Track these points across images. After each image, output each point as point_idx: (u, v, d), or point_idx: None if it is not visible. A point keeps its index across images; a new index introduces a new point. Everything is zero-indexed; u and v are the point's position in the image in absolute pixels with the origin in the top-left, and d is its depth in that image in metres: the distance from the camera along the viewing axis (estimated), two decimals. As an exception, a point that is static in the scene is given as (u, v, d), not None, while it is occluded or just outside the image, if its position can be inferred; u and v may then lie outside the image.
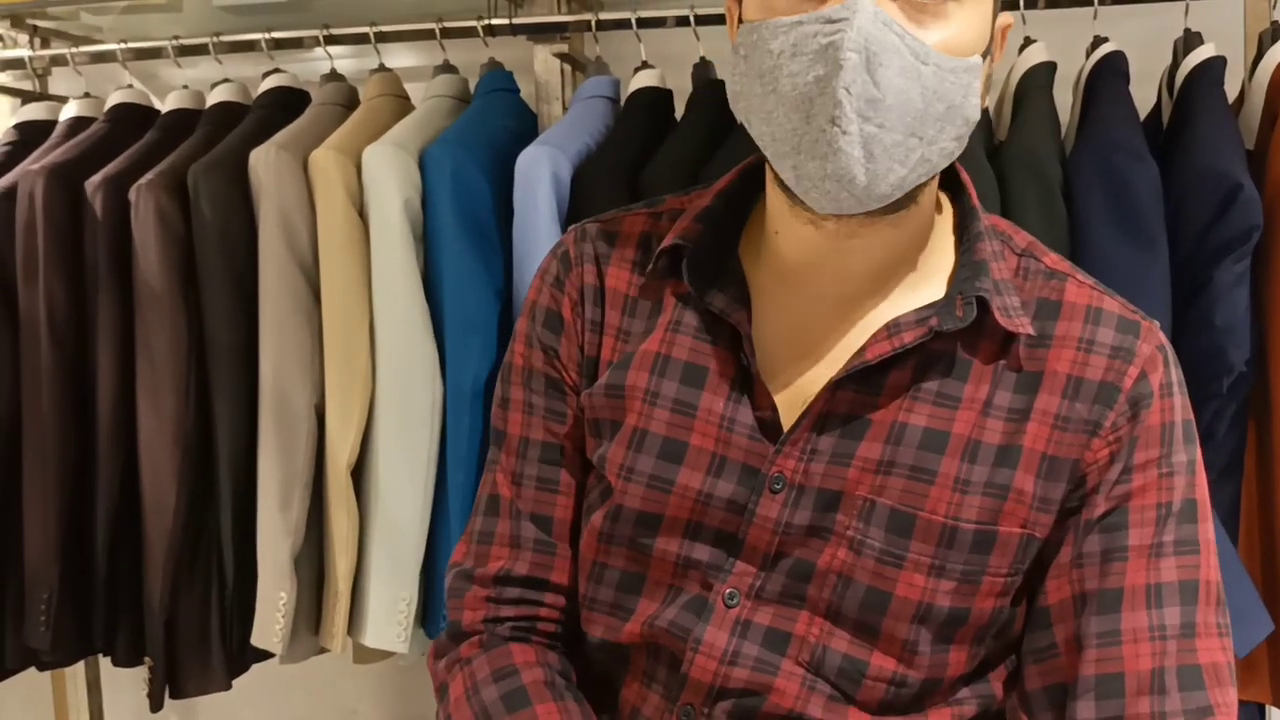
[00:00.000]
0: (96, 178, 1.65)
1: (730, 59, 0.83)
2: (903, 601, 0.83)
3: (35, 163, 1.69)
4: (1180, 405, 0.87)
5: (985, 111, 1.56)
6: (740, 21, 0.83)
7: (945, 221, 0.91)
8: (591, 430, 0.93)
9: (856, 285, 0.87)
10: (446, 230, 1.57)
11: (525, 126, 1.77)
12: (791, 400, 0.87)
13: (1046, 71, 1.55)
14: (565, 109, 1.79)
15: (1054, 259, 0.91)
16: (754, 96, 0.80)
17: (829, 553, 0.84)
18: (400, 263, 1.57)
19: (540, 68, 1.81)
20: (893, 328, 0.84)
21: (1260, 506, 1.44)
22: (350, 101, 1.79)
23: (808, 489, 0.85)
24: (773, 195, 0.88)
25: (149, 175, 1.62)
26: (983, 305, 0.84)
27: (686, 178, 1.48)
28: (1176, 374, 0.88)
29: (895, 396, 0.85)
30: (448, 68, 1.80)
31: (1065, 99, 1.62)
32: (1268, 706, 1.51)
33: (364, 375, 1.58)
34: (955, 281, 0.87)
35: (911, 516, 0.83)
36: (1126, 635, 0.81)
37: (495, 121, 1.69)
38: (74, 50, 1.89)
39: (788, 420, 0.86)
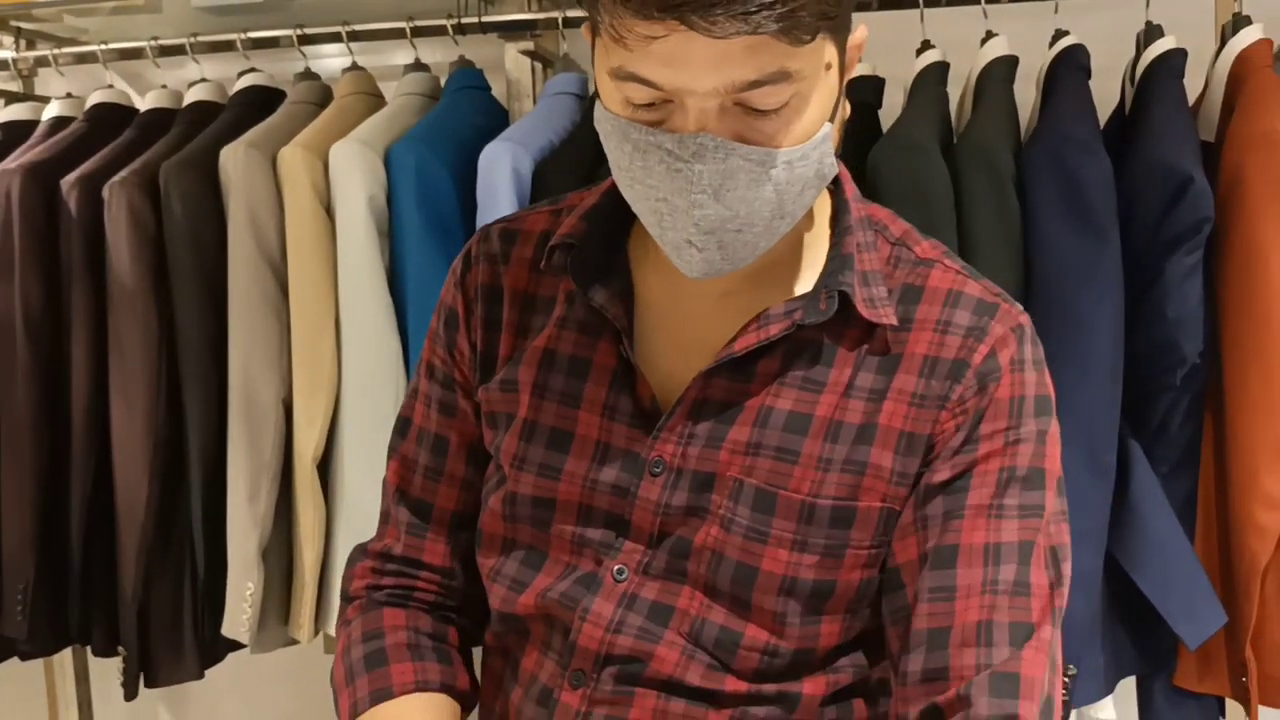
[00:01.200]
0: (71, 176, 1.69)
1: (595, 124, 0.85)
2: (769, 575, 0.86)
3: (13, 161, 1.73)
4: (1034, 381, 0.88)
5: (945, 105, 1.59)
6: (597, 91, 0.84)
7: (823, 214, 0.93)
8: (489, 422, 0.97)
9: (733, 282, 0.89)
10: (411, 226, 1.59)
11: (494, 123, 1.78)
12: (670, 389, 0.90)
13: (1006, 65, 1.56)
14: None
15: (925, 246, 0.93)
16: (620, 180, 0.83)
17: (704, 531, 0.87)
18: (365, 259, 1.59)
19: (511, 65, 1.82)
20: (761, 320, 0.87)
21: (1216, 499, 1.44)
22: (323, 100, 1.81)
23: (685, 471, 0.88)
24: None
25: (122, 174, 1.65)
26: (845, 298, 0.87)
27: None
28: (1032, 351, 0.89)
29: (764, 383, 0.88)
30: (419, 66, 1.82)
31: (1031, 94, 1.63)
32: (1226, 700, 1.52)
33: (330, 370, 1.60)
34: (823, 275, 0.89)
35: (774, 495, 0.86)
36: (960, 590, 0.83)
37: (463, 118, 1.71)
38: (57, 51, 1.92)
39: (666, 408, 0.89)
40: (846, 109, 0.87)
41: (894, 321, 0.88)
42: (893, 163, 1.42)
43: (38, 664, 2.21)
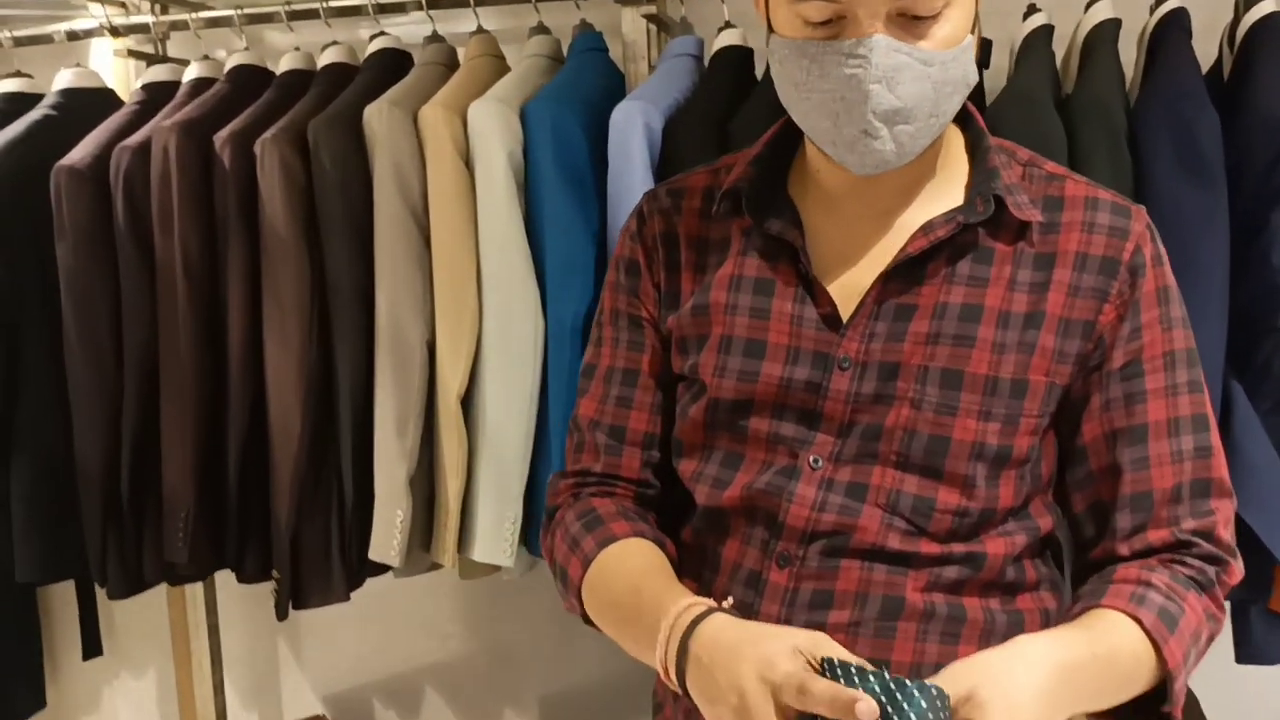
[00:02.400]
0: (223, 133, 1.80)
1: (768, 56, 1.02)
2: (960, 444, 1.01)
3: (166, 119, 1.84)
4: (1168, 272, 1.06)
5: (1054, 65, 1.67)
6: (770, 27, 1.01)
7: (958, 142, 1.09)
8: (679, 349, 1.13)
9: (889, 201, 1.06)
10: (547, 180, 1.70)
11: (614, 84, 1.88)
12: (846, 297, 1.05)
13: (1112, 27, 1.64)
14: (651, 68, 1.90)
15: (1052, 166, 1.09)
16: (791, 98, 1.01)
17: (894, 413, 1.02)
18: (505, 209, 1.70)
19: (628, 28, 1.92)
20: (927, 228, 1.03)
21: (1312, 435, 1.54)
22: (451, 61, 1.91)
23: (870, 364, 1.03)
24: (811, 147, 1.08)
25: (272, 130, 1.76)
26: (999, 201, 1.03)
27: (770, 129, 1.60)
28: (1162, 248, 1.07)
29: (935, 282, 1.04)
30: (542, 29, 1.91)
31: (1129, 55, 1.71)
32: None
33: (472, 313, 1.72)
34: (973, 186, 1.05)
35: (960, 373, 1.01)
36: (1153, 460, 1.02)
37: (589, 79, 1.81)
38: (192, 16, 2.03)
39: (845, 313, 1.04)
40: (979, 30, 1.02)
41: (1041, 219, 1.03)
42: (1011, 117, 1.51)
43: (160, 595, 2.34)
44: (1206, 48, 1.70)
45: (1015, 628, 1.05)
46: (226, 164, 1.78)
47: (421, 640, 2.41)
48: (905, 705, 0.83)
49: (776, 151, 1.13)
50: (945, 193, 1.07)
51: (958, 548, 1.03)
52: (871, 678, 0.85)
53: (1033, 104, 1.50)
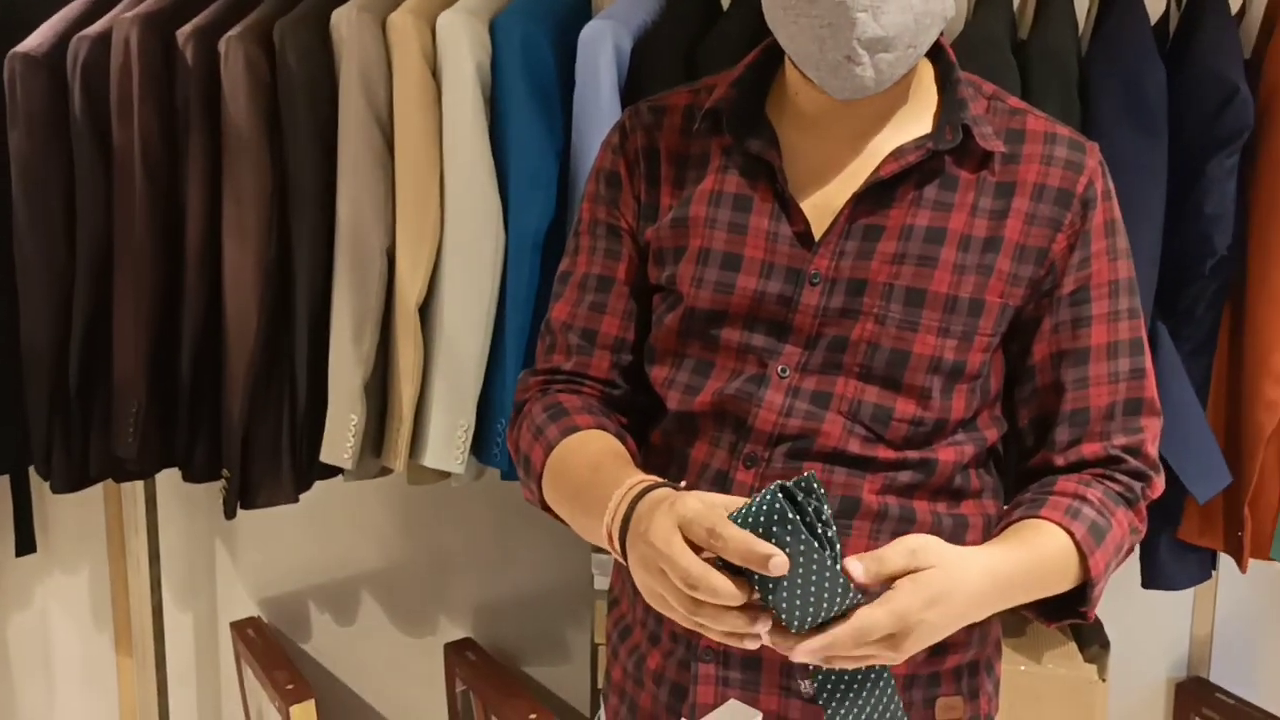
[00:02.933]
0: (187, 28, 1.78)
1: None
2: (919, 357, 1.09)
3: (127, 10, 1.81)
4: (1116, 206, 1.14)
5: (1011, 10, 1.73)
6: None
7: (929, 73, 1.16)
8: (656, 259, 1.18)
9: (864, 126, 1.12)
10: (514, 94, 1.72)
11: (581, 4, 1.90)
12: (819, 215, 1.11)
13: (1069, -24, 1.70)
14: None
15: (1014, 101, 1.16)
16: (778, 20, 1.06)
17: (859, 327, 1.09)
18: (470, 121, 1.72)
19: (599, -53, 1.93)
20: (898, 152, 1.10)
21: (1229, 377, 1.64)
22: (420, -31, 1.91)
23: (839, 280, 1.10)
24: (792, 71, 1.13)
25: (238, 29, 1.75)
26: (966, 130, 1.10)
27: (739, 52, 1.62)
28: (1111, 183, 1.15)
29: (904, 205, 1.10)
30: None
31: (1083, 4, 1.77)
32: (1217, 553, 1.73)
33: (433, 222, 1.74)
34: (942, 115, 1.12)
35: (923, 291, 1.08)
36: (1093, 380, 1.12)
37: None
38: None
39: (818, 231, 1.11)
40: None
41: (1004, 149, 1.10)
42: (969, 57, 1.55)
43: (96, 493, 2.34)
44: (1155, 3, 1.77)
45: (960, 530, 1.13)
46: (189, 60, 1.77)
47: (360, 546, 2.45)
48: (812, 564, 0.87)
49: (757, 74, 1.18)
50: (916, 120, 1.13)
51: (912, 454, 1.10)
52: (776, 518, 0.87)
53: (990, 46, 1.56)
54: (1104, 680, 1.80)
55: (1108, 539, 1.07)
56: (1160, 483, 1.14)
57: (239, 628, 2.41)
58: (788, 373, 1.10)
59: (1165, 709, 2.15)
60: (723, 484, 1.11)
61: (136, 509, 2.31)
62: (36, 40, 1.82)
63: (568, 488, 1.13)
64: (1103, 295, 1.11)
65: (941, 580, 0.93)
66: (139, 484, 2.29)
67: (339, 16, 1.75)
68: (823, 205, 1.12)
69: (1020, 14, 1.82)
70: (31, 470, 2.14)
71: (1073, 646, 1.88)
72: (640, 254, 1.19)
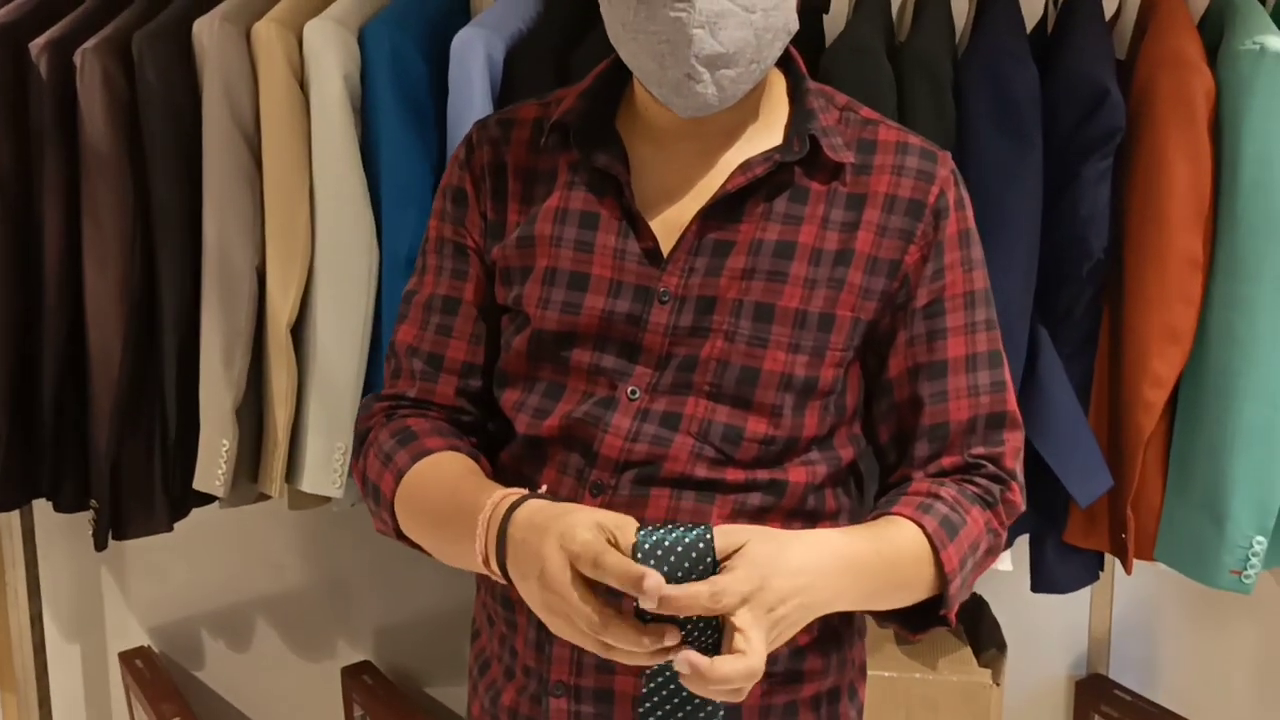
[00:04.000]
0: (40, 40, 1.71)
1: None
2: (769, 374, 1.06)
3: (-22, 23, 1.74)
4: (970, 216, 1.12)
5: (889, 15, 1.72)
6: None
7: (780, 84, 1.14)
8: (503, 279, 1.14)
9: (713, 141, 1.09)
10: (384, 105, 1.67)
11: (459, 7, 1.86)
12: (669, 232, 1.09)
13: (945, -21, 1.69)
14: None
15: (867, 111, 1.14)
16: (619, 37, 1.04)
17: (709, 345, 1.06)
18: (339, 134, 1.66)
19: (474, -48, 1.88)
20: (745, 166, 1.07)
21: (1109, 378, 1.64)
22: (289, -23, 1.85)
23: (689, 298, 1.07)
24: (639, 86, 1.10)
25: (94, 40, 1.68)
26: (814, 141, 1.07)
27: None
28: (965, 192, 1.13)
29: (753, 219, 1.08)
30: (384, -51, 1.86)
31: (961, 8, 1.77)
32: (1105, 555, 1.73)
33: (304, 240, 1.68)
34: (791, 127, 1.10)
35: (771, 307, 1.06)
36: (951, 394, 1.09)
37: (433, 2, 1.78)
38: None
39: (667, 248, 1.08)
40: None
41: (854, 160, 1.08)
42: (843, 65, 1.54)
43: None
44: (1033, 5, 1.77)
45: None
46: (43, 74, 1.69)
47: (254, 571, 2.38)
48: (671, 556, 0.89)
49: (606, 85, 1.14)
50: (767, 133, 1.10)
51: (762, 474, 1.07)
52: (649, 542, 0.90)
53: (864, 53, 1.54)
54: (998, 684, 1.80)
55: (961, 534, 1.05)
56: (1020, 494, 1.12)
57: (127, 658, 2.32)
58: (638, 394, 1.07)
59: (1066, 707, 2.16)
60: None
61: (13, 541, 2.22)
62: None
63: (425, 515, 1.09)
64: (958, 307, 1.09)
65: (772, 542, 0.92)
66: (14, 516, 2.20)
67: (200, 26, 1.68)
68: (672, 222, 1.08)
69: (899, 19, 1.80)
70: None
71: (968, 651, 1.87)
72: (488, 274, 1.15)
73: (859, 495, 1.18)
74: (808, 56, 1.59)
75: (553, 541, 0.91)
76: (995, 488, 1.10)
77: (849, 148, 1.09)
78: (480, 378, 1.16)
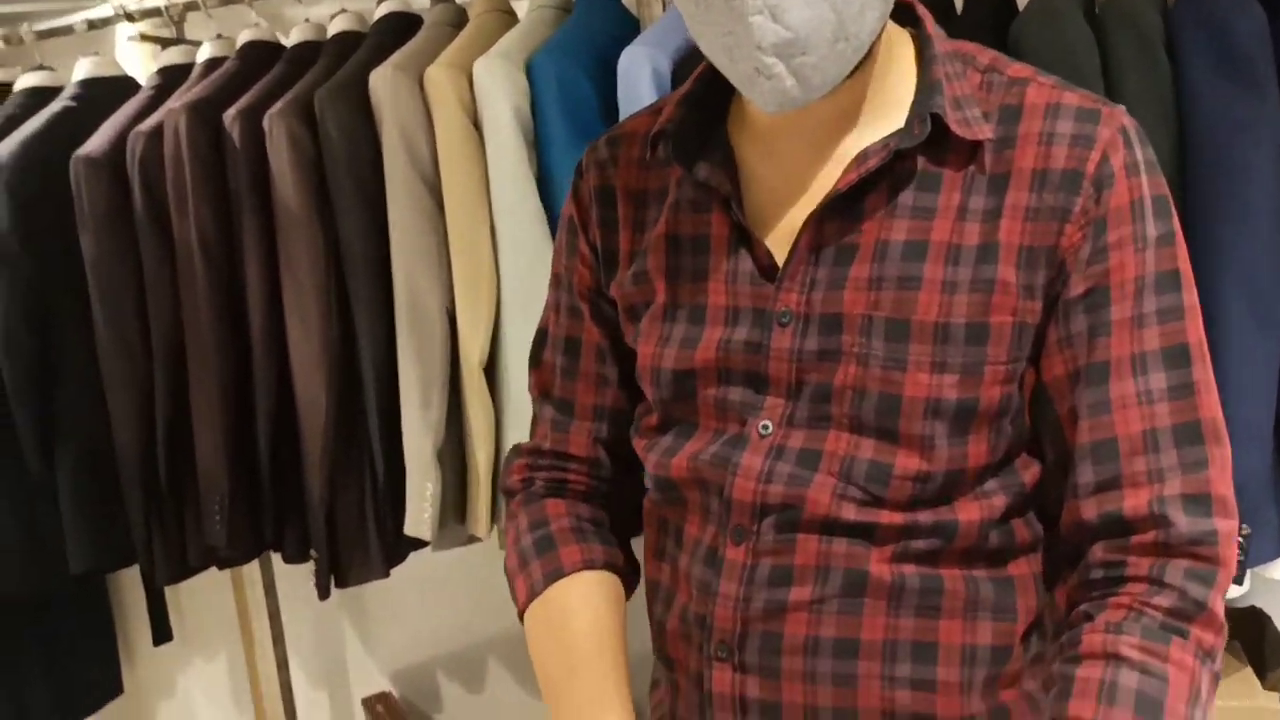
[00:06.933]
0: (232, 110, 1.77)
1: None
2: (912, 400, 0.89)
3: (176, 101, 1.82)
4: (1149, 182, 0.90)
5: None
6: None
7: (905, 53, 0.96)
8: (628, 316, 1.04)
9: (823, 132, 0.94)
10: (556, 134, 1.64)
11: (626, 32, 1.80)
12: (784, 243, 0.94)
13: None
14: (665, 11, 1.83)
15: (1017, 68, 0.95)
16: (694, 33, 0.88)
17: (841, 370, 0.91)
18: (515, 168, 1.65)
19: (639, -28, 1.84)
20: (860, 158, 0.91)
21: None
22: (459, 21, 1.86)
23: (812, 317, 0.92)
24: None
25: (279, 104, 1.73)
26: (938, 121, 0.90)
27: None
28: (1142, 152, 0.91)
29: (875, 219, 0.92)
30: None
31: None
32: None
33: (489, 276, 1.67)
34: (914, 105, 0.92)
35: (905, 323, 0.89)
36: (1115, 403, 0.88)
37: (597, 28, 1.75)
38: (204, -5, 2.01)
39: (782, 262, 0.94)
40: None
41: (991, 136, 0.90)
42: (1035, 33, 1.41)
43: (225, 580, 2.37)
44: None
45: (1005, 595, 0.94)
46: (236, 141, 1.76)
47: (484, 611, 2.40)
48: None
49: (709, 88, 0.99)
50: (888, 114, 0.94)
51: (924, 516, 0.91)
52: None
53: (1057, 16, 1.40)
54: (1284, 706, 1.59)
55: (1168, 706, 0.82)
56: (1231, 560, 0.87)
57: (369, 704, 2.38)
58: (770, 429, 0.94)
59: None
60: (713, 563, 0.96)
61: (255, 592, 2.32)
62: (97, 141, 1.84)
63: (542, 664, 1.04)
64: (1126, 295, 0.88)
65: None
66: (255, 568, 2.29)
67: (375, 78, 1.71)
68: (786, 232, 0.94)
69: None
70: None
71: (1249, 673, 1.67)
72: (602, 311, 1.07)
73: None
74: (999, 26, 1.48)
75: None
76: (1193, 588, 0.85)
77: (989, 119, 0.91)
78: (611, 422, 1.08)
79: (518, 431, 1.68)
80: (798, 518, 0.92)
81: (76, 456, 1.93)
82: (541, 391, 1.11)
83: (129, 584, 2.48)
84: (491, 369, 1.70)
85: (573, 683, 0.99)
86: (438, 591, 2.37)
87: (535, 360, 1.12)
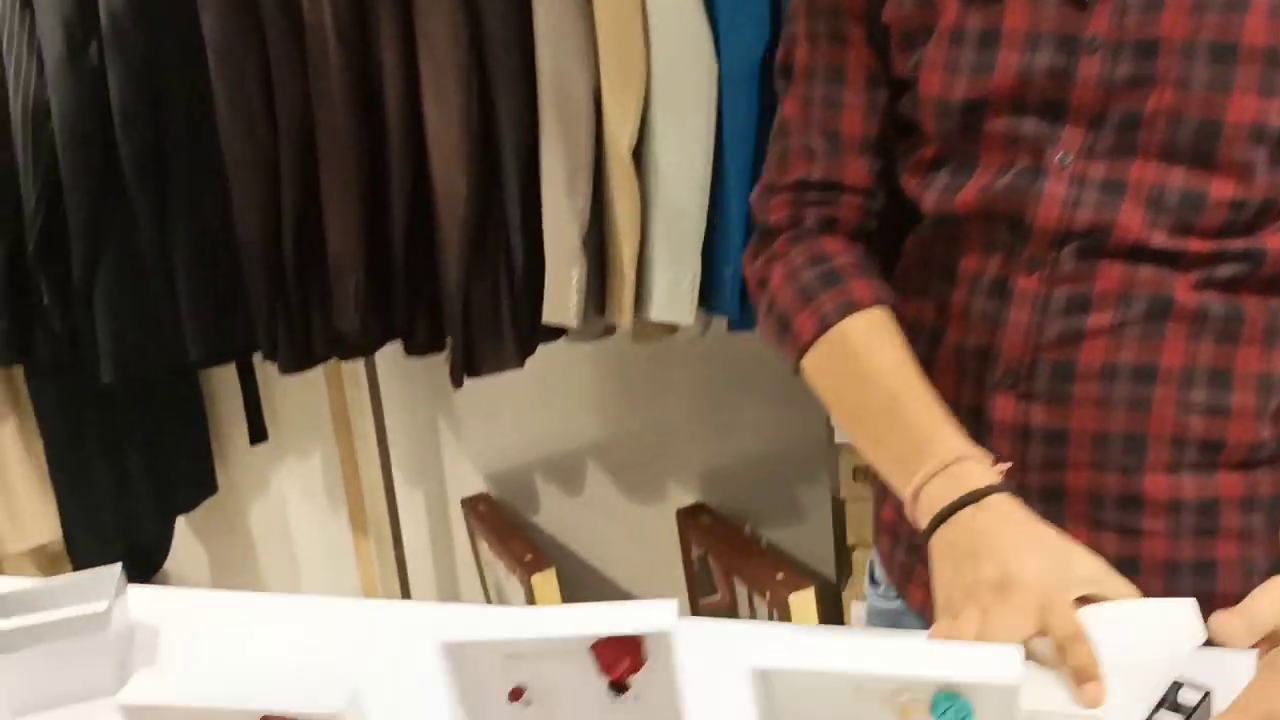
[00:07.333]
0: (369, -114, 1.69)
1: None
2: (1235, 126, 0.87)
3: None
4: None
5: None
6: None
7: None
8: (903, 43, 0.99)
9: None
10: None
11: None
12: None
13: None
14: None
15: None
16: None
17: (1155, 97, 0.88)
18: (672, -57, 1.57)
19: None
20: None
21: None
22: None
23: (1125, 43, 0.88)
24: None
25: (418, -124, 1.64)
26: None
27: None
28: None
29: None
30: None
31: None
32: None
33: (639, 59, 1.61)
34: None
35: (1234, 45, 0.86)
36: None
37: None
38: None
39: None
40: None
41: None
42: None
43: (318, 381, 2.36)
44: None
45: None
46: (374, -84, 1.68)
47: (580, 416, 2.41)
48: None
49: None
50: None
51: (1234, 243, 0.90)
52: None
53: None
54: None
55: None
56: None
57: (470, 504, 2.42)
58: (1070, 160, 0.91)
59: None
60: (1000, 293, 0.95)
61: (360, 392, 2.32)
62: (219, -84, 1.76)
63: (849, 397, 1.01)
64: None
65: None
66: (360, 368, 2.29)
67: None
68: None
69: None
70: (256, 362, 2.17)
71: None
72: (873, 37, 1.02)
73: None
74: None
75: (1051, 562, 0.82)
76: None
77: None
78: (880, 156, 1.05)
79: (664, 220, 1.65)
80: (1105, 242, 0.91)
81: (195, 240, 1.90)
82: (802, 122, 1.06)
83: (221, 384, 2.48)
84: (638, 156, 1.66)
85: (894, 416, 0.96)
86: (534, 396, 2.37)
87: (784, 92, 1.07)
